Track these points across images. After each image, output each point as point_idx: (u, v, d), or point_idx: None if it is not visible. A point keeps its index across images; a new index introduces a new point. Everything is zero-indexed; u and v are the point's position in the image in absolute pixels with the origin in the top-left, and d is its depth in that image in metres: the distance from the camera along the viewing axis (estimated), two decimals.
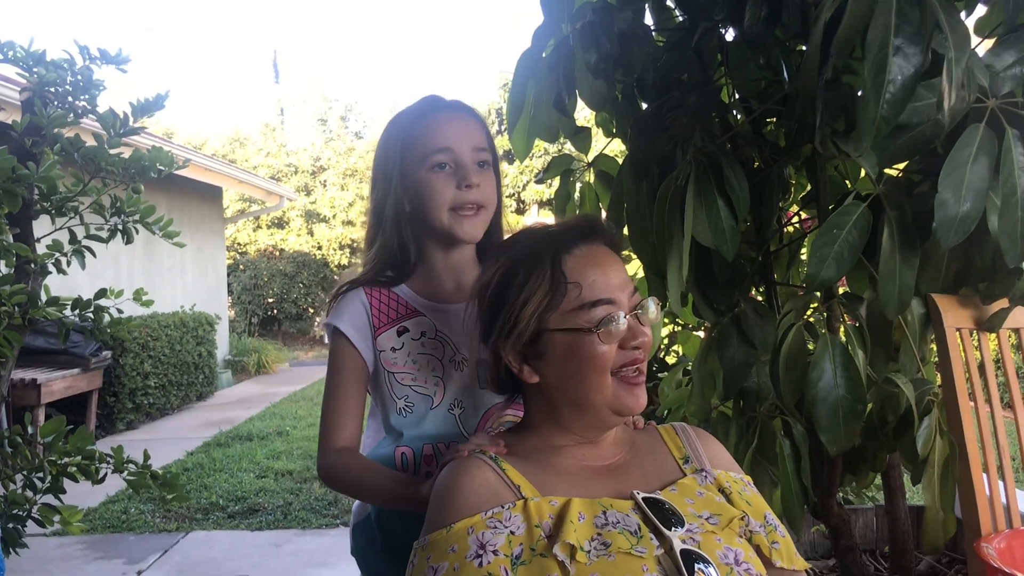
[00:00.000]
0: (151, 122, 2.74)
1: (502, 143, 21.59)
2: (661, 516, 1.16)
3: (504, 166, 21.79)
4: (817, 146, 2.01)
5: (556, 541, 1.09)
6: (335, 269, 21.36)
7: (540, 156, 19.94)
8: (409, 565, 1.16)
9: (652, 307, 1.25)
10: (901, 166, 2.15)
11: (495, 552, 1.10)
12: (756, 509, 1.27)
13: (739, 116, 2.39)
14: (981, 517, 1.96)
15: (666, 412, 2.67)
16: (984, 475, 2.02)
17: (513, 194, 21.55)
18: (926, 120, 1.86)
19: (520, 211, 21.70)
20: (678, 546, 1.11)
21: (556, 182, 2.63)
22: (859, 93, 2.15)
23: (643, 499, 1.18)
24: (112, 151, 2.60)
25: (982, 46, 1.96)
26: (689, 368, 2.70)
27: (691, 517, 1.19)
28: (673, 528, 1.14)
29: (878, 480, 2.58)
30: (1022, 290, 2.03)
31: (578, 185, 2.58)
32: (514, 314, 1.23)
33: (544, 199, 21.05)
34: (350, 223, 22.48)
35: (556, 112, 2.21)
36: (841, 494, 2.95)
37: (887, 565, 2.52)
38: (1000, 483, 2.03)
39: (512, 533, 1.12)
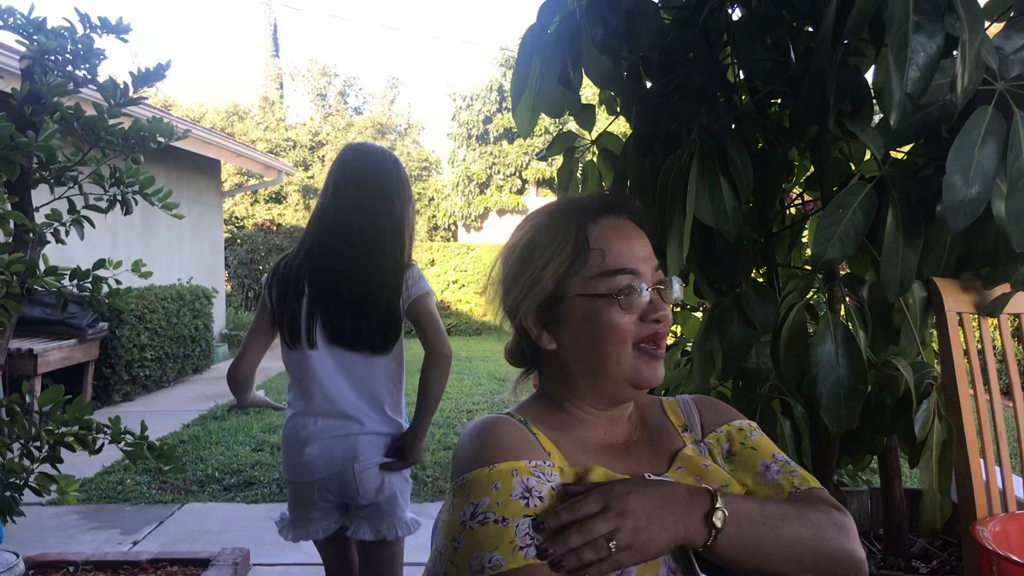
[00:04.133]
0: (149, 93, 2.72)
1: (503, 121, 21.55)
2: None
3: (504, 144, 21.73)
4: (832, 127, 2.00)
5: None
6: None
7: (540, 135, 19.88)
8: (448, 507, 1.14)
9: (676, 285, 1.25)
10: (905, 148, 2.14)
11: (541, 499, 1.09)
12: (763, 451, 1.29)
13: (744, 97, 2.38)
14: (977, 501, 1.96)
15: (664, 392, 2.67)
16: (981, 460, 2.02)
17: (514, 172, 21.50)
18: (935, 102, 1.85)
19: (520, 190, 21.66)
20: None
21: (558, 161, 2.62)
22: (866, 74, 2.15)
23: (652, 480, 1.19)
24: (112, 121, 2.57)
25: (991, 29, 1.95)
26: (688, 348, 2.69)
27: None
28: None
29: (872, 463, 2.58)
30: (1023, 275, 2.02)
31: (581, 163, 2.56)
32: (535, 275, 1.23)
33: (545, 177, 21.01)
34: None
35: (561, 88, 2.20)
36: (836, 477, 2.96)
37: (881, 547, 2.53)
38: (996, 468, 2.04)
39: (553, 488, 1.11)
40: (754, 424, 1.36)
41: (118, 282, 2.68)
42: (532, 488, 1.09)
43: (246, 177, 20.31)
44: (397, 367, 2.59)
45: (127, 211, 2.66)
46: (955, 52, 1.73)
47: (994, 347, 2.82)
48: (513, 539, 1.04)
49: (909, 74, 1.69)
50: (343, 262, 2.44)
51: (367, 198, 2.44)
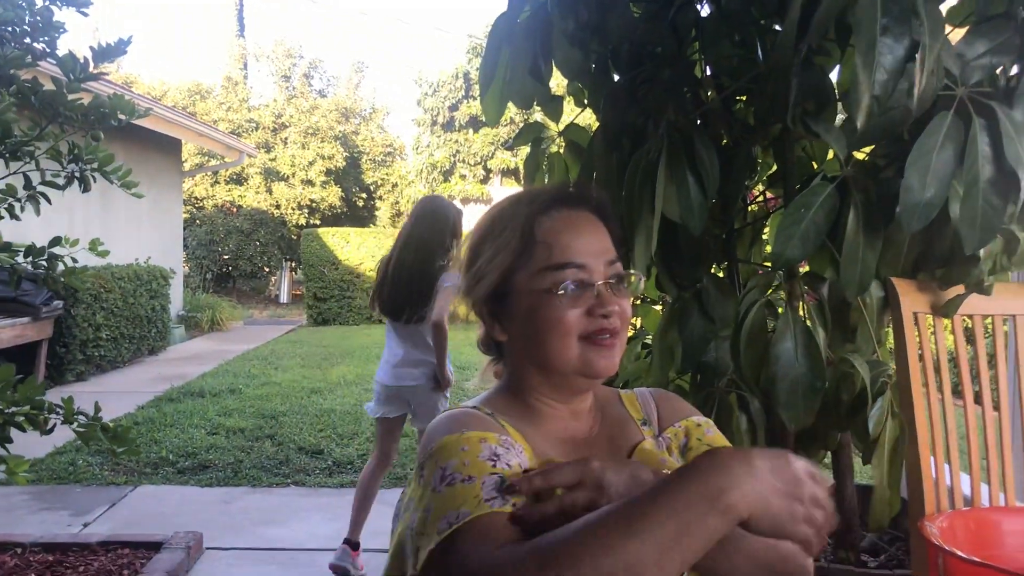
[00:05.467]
0: (110, 69, 2.67)
1: (469, 109, 21.47)
2: None
3: (470, 133, 21.67)
4: (789, 124, 2.02)
5: None
6: (292, 229, 21.16)
7: (506, 125, 19.85)
8: (416, 482, 1.13)
9: (633, 279, 1.25)
10: (867, 150, 2.17)
11: (508, 465, 1.09)
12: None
13: (710, 93, 2.39)
14: (926, 497, 2.00)
15: (623, 384, 2.69)
16: (931, 457, 2.06)
17: (479, 162, 21.45)
18: (897, 105, 1.88)
19: (485, 180, 21.61)
20: None
21: (523, 152, 2.62)
22: (831, 75, 2.17)
23: None
24: (71, 96, 2.52)
25: (953, 35, 1.97)
26: (648, 341, 2.71)
27: None
28: None
29: (826, 459, 2.62)
30: (978, 277, 2.06)
31: (547, 154, 2.57)
32: (483, 268, 1.23)
33: (510, 168, 20.98)
34: (310, 182, 22.24)
35: (531, 79, 2.19)
36: None
37: (832, 541, 2.57)
38: (945, 465, 2.08)
39: (521, 466, 1.11)
40: (710, 421, 1.38)
41: (74, 260, 2.64)
42: (500, 455, 1.09)
43: (207, 157, 20.05)
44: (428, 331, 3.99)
45: (85, 188, 2.62)
46: (916, 56, 1.75)
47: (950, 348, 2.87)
48: (479, 493, 1.04)
49: (876, 76, 1.72)
50: (402, 270, 3.93)
51: (425, 231, 3.93)
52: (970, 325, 2.17)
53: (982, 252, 2.01)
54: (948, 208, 1.91)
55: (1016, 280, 2.28)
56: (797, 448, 2.31)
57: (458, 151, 21.65)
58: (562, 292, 1.18)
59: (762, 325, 2.08)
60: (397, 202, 23.82)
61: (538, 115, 2.65)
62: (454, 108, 21.82)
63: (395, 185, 24.27)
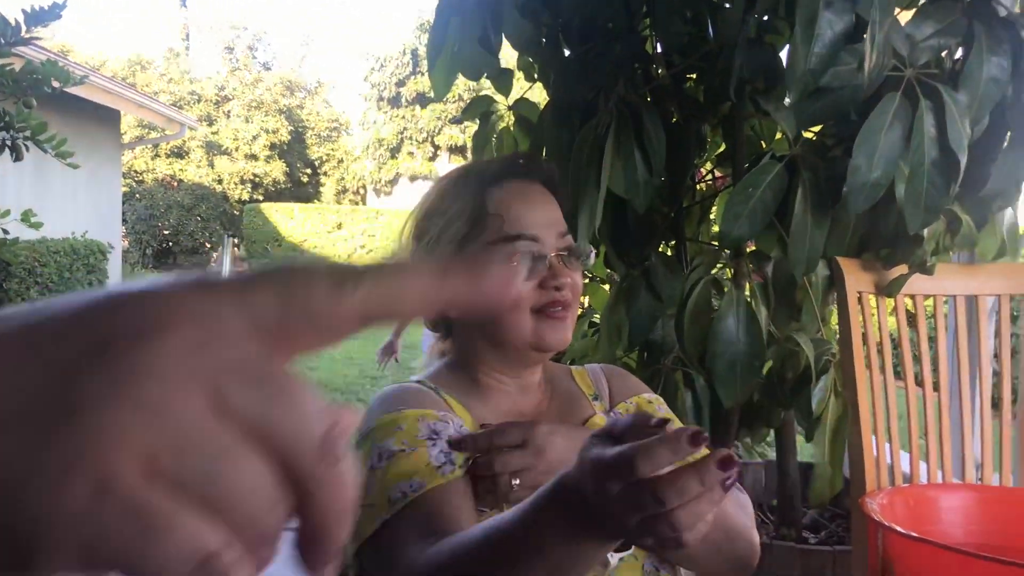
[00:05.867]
0: (44, 35, 2.57)
1: (416, 85, 21.28)
2: None
3: (417, 109, 21.48)
4: (732, 98, 2.02)
5: None
6: (235, 204, 20.85)
7: (454, 101, 19.73)
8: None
9: (587, 251, 1.24)
10: (816, 129, 2.18)
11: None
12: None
13: (660, 70, 2.38)
14: (868, 475, 2.03)
15: (571, 362, 2.68)
16: (872, 436, 2.09)
17: (427, 138, 21.28)
18: (846, 84, 1.88)
19: (433, 157, 21.47)
20: None
21: (471, 128, 2.59)
22: (782, 52, 2.17)
23: None
24: (0, 61, 2.43)
25: (902, 16, 1.99)
26: (596, 319, 2.71)
27: None
28: None
29: (769, 437, 2.65)
30: (921, 258, 2.09)
31: (497, 129, 2.54)
32: (434, 240, 1.21)
33: (458, 144, 20.87)
34: (253, 157, 21.90)
35: (480, 50, 2.16)
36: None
37: (774, 518, 2.60)
38: (886, 444, 2.11)
39: None
40: (660, 398, 1.37)
41: (6, 232, 2.55)
42: (439, 431, 1.08)
43: (147, 130, 19.60)
44: None
45: (17, 157, 2.52)
46: (865, 35, 1.76)
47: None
48: (429, 461, 1.03)
49: (814, 49, 1.72)
50: None
51: None
52: (912, 309, 2.19)
53: (925, 233, 2.03)
54: (894, 189, 1.93)
55: (957, 261, 2.31)
56: (741, 426, 2.33)
57: (405, 127, 21.47)
58: (515, 264, 1.16)
59: (707, 303, 2.08)
60: (343, 178, 23.57)
61: (486, 91, 2.62)
62: (401, 84, 21.62)
63: (341, 161, 24.01)
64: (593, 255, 1.28)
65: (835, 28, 1.74)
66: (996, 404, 2.17)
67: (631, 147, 1.97)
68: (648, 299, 2.18)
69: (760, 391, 2.20)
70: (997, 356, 2.20)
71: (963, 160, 1.87)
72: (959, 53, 2.06)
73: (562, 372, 1.37)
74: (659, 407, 1.33)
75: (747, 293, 2.12)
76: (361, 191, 23.35)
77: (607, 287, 2.74)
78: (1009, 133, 2.04)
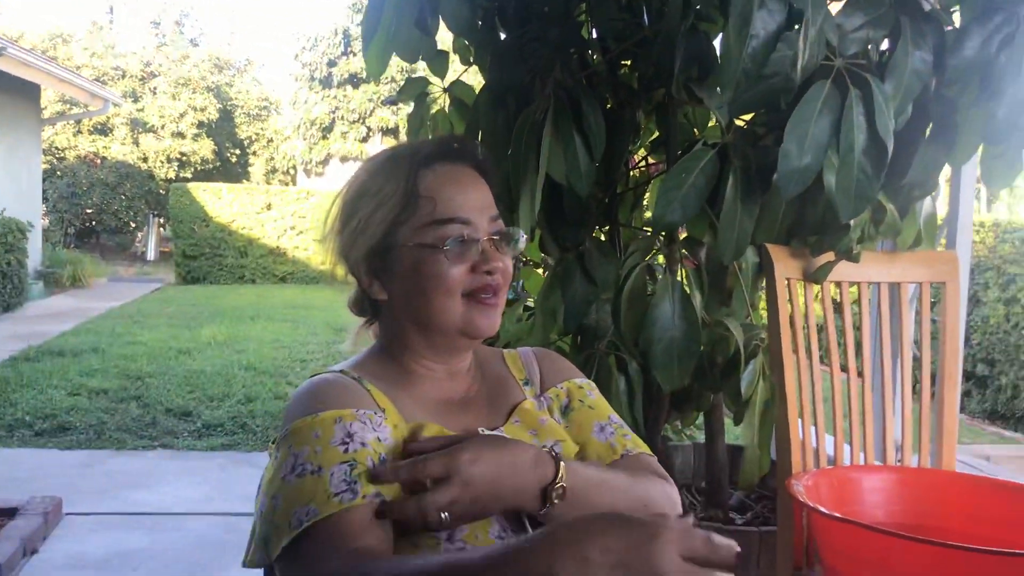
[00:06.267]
0: None
1: (348, 66, 20.99)
2: None
3: (349, 90, 21.20)
4: (672, 91, 2.04)
5: None
6: (161, 183, 20.36)
7: (387, 83, 19.53)
8: (271, 462, 1.10)
9: (519, 236, 1.23)
10: (747, 117, 2.21)
11: (363, 444, 1.07)
12: (600, 412, 1.31)
13: (596, 56, 2.39)
14: (794, 457, 2.07)
15: (504, 346, 2.68)
16: (799, 419, 2.14)
17: (359, 119, 21.02)
18: (778, 73, 1.91)
19: (365, 138, 21.22)
20: None
21: (404, 111, 2.56)
22: (716, 42, 2.20)
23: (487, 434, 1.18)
24: None
25: (834, 6, 2.02)
26: (530, 304, 2.72)
27: None
28: None
29: (699, 420, 2.69)
30: (848, 245, 2.13)
31: (431, 111, 2.52)
32: (363, 223, 1.18)
33: (390, 127, 20.66)
34: (180, 135, 21.41)
35: (417, 31, 2.14)
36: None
37: (701, 500, 2.65)
38: (812, 427, 2.16)
39: (379, 439, 1.09)
40: (592, 383, 1.38)
41: None
42: (354, 433, 1.07)
43: (69, 105, 18.96)
44: None
45: None
46: (797, 27, 1.79)
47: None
48: (327, 488, 1.01)
49: (748, 49, 1.75)
50: None
51: None
52: (838, 295, 2.24)
53: (852, 220, 2.08)
54: (822, 177, 1.96)
55: (880, 249, 2.37)
56: (672, 409, 2.36)
57: (337, 108, 21.17)
58: (447, 247, 1.15)
59: (642, 288, 2.10)
60: (272, 158, 23.18)
61: (422, 72, 2.60)
62: (332, 64, 21.30)
63: (270, 141, 23.60)
64: (524, 240, 1.27)
65: (768, 28, 1.76)
66: (917, 388, 2.24)
67: (571, 132, 1.97)
68: (583, 283, 2.20)
69: (692, 375, 2.23)
70: (918, 342, 2.27)
71: (890, 148, 1.91)
72: (885, 44, 2.10)
73: (493, 356, 1.36)
74: (589, 392, 1.34)
75: (680, 279, 2.14)
76: (291, 172, 23.00)
77: (541, 271, 2.75)
78: (930, 125, 2.09)
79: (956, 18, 2.09)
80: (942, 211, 2.57)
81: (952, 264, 2.25)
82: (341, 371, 1.21)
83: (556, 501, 1.07)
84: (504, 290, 1.21)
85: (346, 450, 1.05)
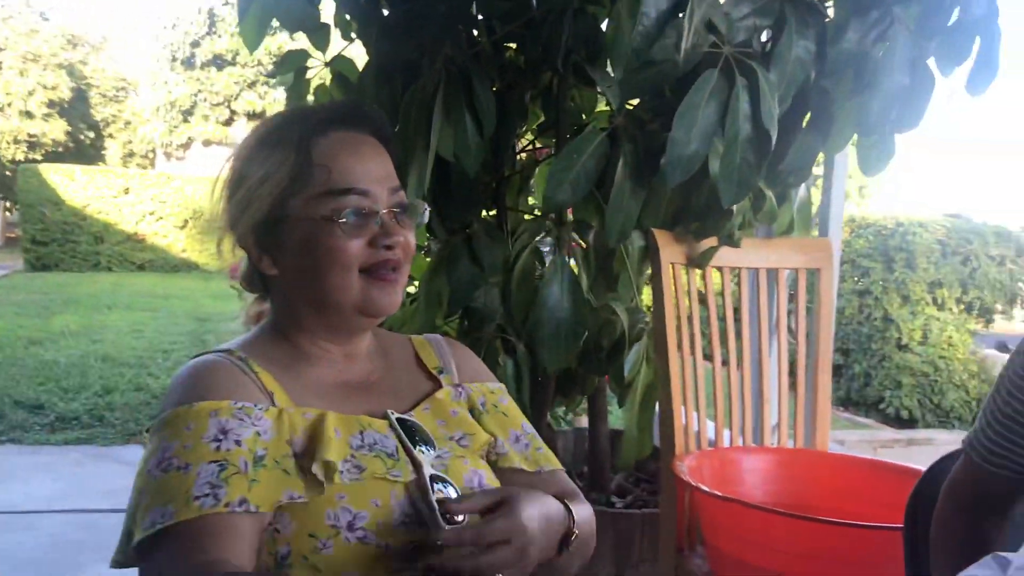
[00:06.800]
0: None
1: (212, 47, 20.26)
2: (412, 438, 1.10)
3: (213, 71, 20.47)
4: (559, 68, 2.02)
5: (311, 458, 1.01)
6: (8, 164, 19.18)
7: (254, 66, 18.97)
8: (144, 451, 1.02)
9: (420, 209, 1.17)
10: (635, 103, 2.22)
11: (237, 442, 0.99)
12: (513, 419, 1.26)
13: (482, 38, 2.35)
14: (677, 439, 2.10)
15: (388, 329, 2.63)
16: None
17: (223, 102, 20.31)
18: (667, 59, 1.92)
19: (229, 122, 20.53)
20: (427, 471, 1.07)
21: (270, 96, 2.46)
22: (604, 24, 2.20)
23: (397, 419, 1.12)
24: None
25: None
26: (411, 291, 2.66)
27: (442, 440, 1.14)
28: (424, 451, 1.09)
29: (583, 404, 2.71)
30: (729, 231, 2.18)
31: (313, 86, 2.43)
32: (251, 193, 1.09)
33: (256, 111, 20.05)
34: (28, 114, 20.22)
35: (299, 1, 2.05)
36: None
37: (583, 484, 2.66)
38: (694, 410, 2.19)
39: (259, 434, 1.01)
40: (503, 387, 1.33)
41: None
42: (229, 430, 0.99)
43: None
44: None
45: None
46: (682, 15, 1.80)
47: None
48: (190, 488, 0.94)
49: (638, 28, 1.75)
50: None
51: None
52: (720, 280, 2.29)
53: (734, 207, 2.12)
54: (707, 163, 1.99)
55: (760, 236, 2.43)
56: (557, 393, 2.36)
57: (200, 90, 20.40)
58: (343, 220, 1.07)
59: (531, 270, 2.09)
60: (130, 141, 22.18)
61: (296, 47, 2.49)
62: (196, 45, 20.52)
63: (128, 123, 22.57)
64: (427, 213, 1.21)
65: (659, 6, 1.77)
66: (793, 372, 2.31)
67: (461, 109, 1.93)
68: (469, 266, 2.16)
69: (578, 359, 2.23)
70: (794, 328, 2.34)
71: (774, 137, 1.95)
72: (766, 35, 2.15)
73: (401, 341, 1.29)
74: (502, 398, 1.28)
75: (571, 262, 2.14)
76: (150, 155, 22.05)
77: (424, 255, 2.69)
78: (808, 114, 2.15)
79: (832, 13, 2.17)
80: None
81: (826, 251, 2.32)
82: (227, 351, 1.11)
83: (570, 549, 1.10)
84: (406, 266, 1.14)
85: (218, 448, 0.98)
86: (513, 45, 2.39)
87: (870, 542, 1.69)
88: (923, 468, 1.46)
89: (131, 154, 22.30)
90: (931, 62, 2.14)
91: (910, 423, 6.57)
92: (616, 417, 3.07)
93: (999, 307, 7.23)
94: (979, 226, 7.32)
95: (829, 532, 1.74)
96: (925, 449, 5.08)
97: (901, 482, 1.67)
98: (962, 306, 6.94)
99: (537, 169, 2.56)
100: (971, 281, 6.88)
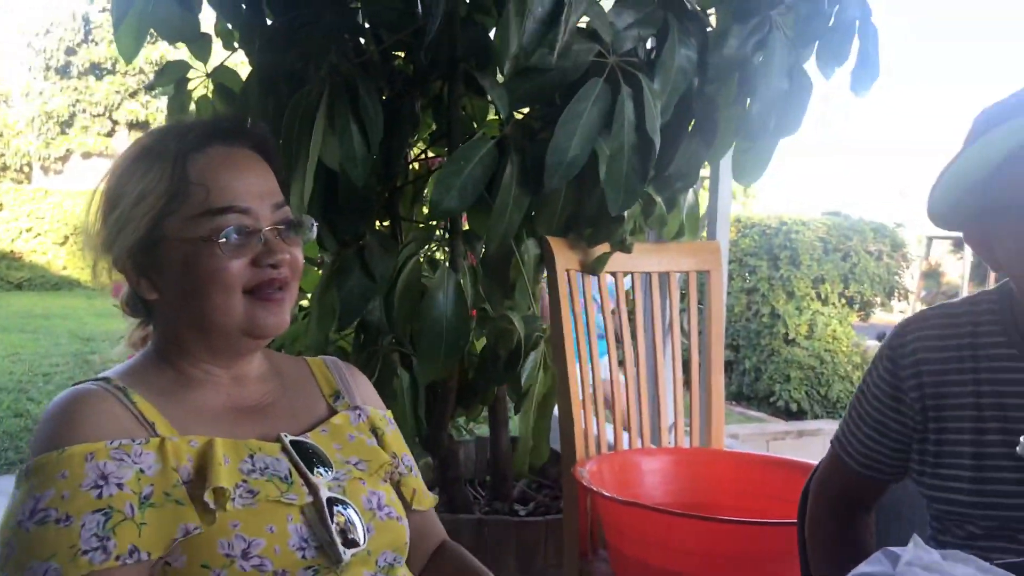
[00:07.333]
0: None
1: (90, 55, 19.48)
2: (308, 461, 1.07)
3: (91, 81, 19.69)
4: (448, 77, 2.02)
5: (201, 486, 0.97)
6: None
7: (136, 74, 18.34)
8: (11, 498, 0.95)
9: (306, 225, 1.14)
10: (526, 111, 2.23)
11: (120, 486, 0.94)
12: (398, 447, 1.24)
13: (371, 47, 2.32)
14: (577, 444, 2.11)
15: (278, 348, 2.56)
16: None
17: (104, 112, 19.55)
18: (554, 68, 1.93)
19: (111, 133, 19.77)
20: (324, 494, 1.04)
21: (155, 103, 2.38)
22: (491, 32, 2.20)
23: (291, 442, 1.09)
24: None
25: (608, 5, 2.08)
26: (304, 304, 2.61)
27: (339, 463, 1.11)
28: (321, 474, 1.06)
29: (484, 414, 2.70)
30: (621, 237, 2.20)
31: (195, 97, 2.35)
32: (126, 214, 1.04)
33: (139, 120, 19.36)
34: None
35: (178, 8, 1.98)
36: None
37: (485, 493, 2.66)
38: (593, 415, 2.21)
39: (142, 472, 0.96)
40: (390, 413, 1.30)
41: None
42: (109, 474, 0.94)
43: None
44: None
45: None
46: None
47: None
48: (76, 543, 0.89)
49: (527, 26, 1.76)
50: None
51: None
52: (614, 285, 2.31)
53: (625, 213, 2.15)
54: (598, 170, 2.01)
55: (652, 241, 2.47)
56: (457, 404, 2.34)
57: (78, 100, 19.60)
58: (223, 240, 1.03)
59: (418, 280, 2.08)
60: (3, 154, 21.12)
61: (177, 56, 2.42)
62: (72, 52, 19.70)
63: (0, 135, 21.51)
64: (315, 228, 1.17)
65: (544, 6, 1.78)
66: (687, 373, 2.36)
67: (347, 118, 1.89)
68: (362, 278, 2.13)
69: (476, 369, 2.22)
70: (686, 329, 2.38)
71: (657, 144, 1.99)
72: (651, 43, 2.18)
73: (295, 363, 1.25)
74: (390, 423, 1.27)
75: (461, 272, 2.13)
76: (26, 169, 21.06)
77: (318, 269, 2.64)
78: (693, 121, 2.20)
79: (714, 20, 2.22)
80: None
81: (715, 253, 2.38)
82: (105, 380, 1.06)
83: None
84: (293, 284, 1.10)
85: (99, 495, 0.92)
86: (402, 54, 2.37)
87: (767, 538, 1.73)
88: (814, 463, 1.50)
89: (4, 168, 21.27)
90: (811, 67, 2.21)
91: (799, 415, 6.80)
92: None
93: (878, 300, 7.55)
94: (857, 223, 7.64)
95: (727, 530, 1.77)
96: (814, 439, 5.25)
97: (795, 477, 1.71)
98: (844, 300, 7.21)
99: (430, 178, 2.55)
100: (852, 276, 7.16)
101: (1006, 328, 1.20)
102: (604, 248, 2.21)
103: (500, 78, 2.09)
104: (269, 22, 2.21)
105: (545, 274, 2.28)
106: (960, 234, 1.24)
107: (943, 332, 1.24)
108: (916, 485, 1.27)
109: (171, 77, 2.31)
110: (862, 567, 0.87)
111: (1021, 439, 0.73)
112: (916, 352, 1.23)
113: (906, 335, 1.26)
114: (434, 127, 2.48)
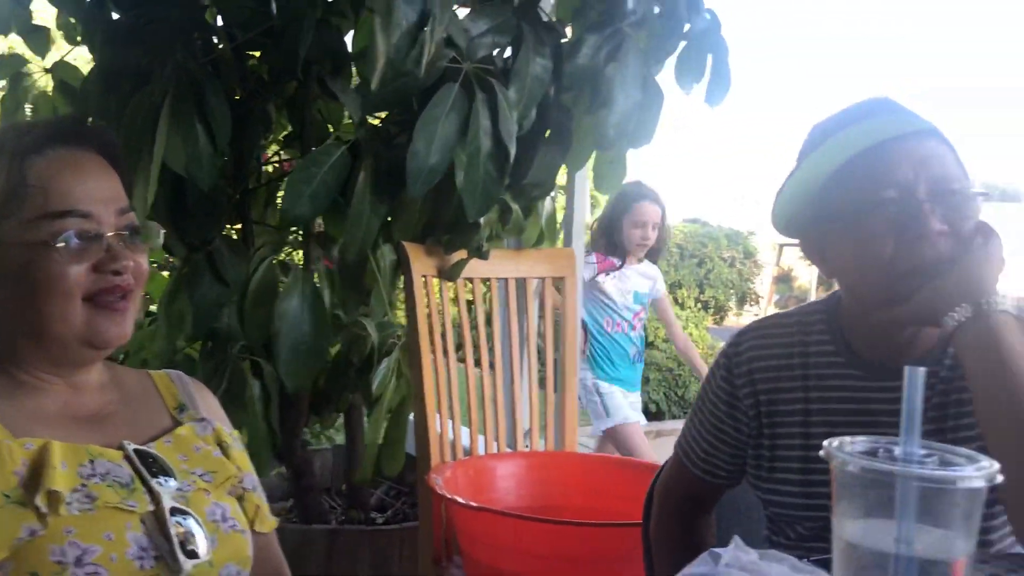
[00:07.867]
0: None
1: None
2: (150, 471, 1.04)
3: None
4: (299, 77, 1.99)
5: (35, 490, 0.93)
6: None
7: None
8: None
9: (151, 232, 1.10)
10: (383, 116, 2.22)
11: None
12: (243, 465, 1.20)
13: (221, 45, 2.26)
14: (432, 451, 2.11)
15: (123, 356, 2.45)
16: (436, 413, 2.18)
17: None
18: (410, 72, 1.93)
19: None
20: (167, 504, 1.00)
21: None
22: (347, 36, 2.18)
23: (134, 451, 1.05)
24: None
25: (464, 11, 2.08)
26: (153, 309, 2.51)
27: (184, 474, 1.08)
28: (163, 483, 1.03)
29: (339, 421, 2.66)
30: (478, 243, 2.21)
31: (32, 93, 2.23)
32: None
33: None
34: None
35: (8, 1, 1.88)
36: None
37: (341, 502, 2.62)
38: (449, 421, 2.21)
39: None
40: (237, 432, 1.27)
41: None
42: None
43: None
44: None
45: None
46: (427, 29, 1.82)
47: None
48: None
49: (394, 39, 1.75)
50: None
51: None
52: (471, 291, 2.32)
53: (482, 220, 2.16)
54: (454, 176, 2.02)
55: (511, 247, 2.49)
56: (311, 412, 2.30)
57: None
58: (62, 244, 0.98)
59: (271, 285, 2.04)
60: None
61: (16, 49, 2.30)
62: None
63: None
64: (162, 235, 1.13)
65: (409, 18, 1.78)
66: (543, 378, 2.39)
67: (192, 119, 1.83)
68: (213, 284, 2.07)
69: (328, 377, 2.19)
70: (543, 334, 2.42)
71: (513, 152, 2.01)
72: (509, 51, 2.21)
73: (137, 376, 1.21)
74: (234, 441, 1.23)
75: (316, 277, 2.10)
76: None
77: (167, 274, 2.56)
78: (548, 130, 2.23)
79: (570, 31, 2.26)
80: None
81: (570, 260, 2.42)
82: None
83: None
84: (137, 292, 1.07)
85: None
86: (257, 53, 2.32)
87: (614, 539, 1.77)
88: (660, 463, 1.54)
89: None
90: (664, 79, 2.28)
91: (658, 415, 6.99)
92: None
93: (731, 305, 7.86)
94: (714, 230, 7.94)
95: (574, 533, 1.80)
96: (672, 439, 5.37)
97: (642, 477, 1.75)
98: (699, 305, 7.47)
99: (284, 181, 2.50)
100: (707, 281, 7.43)
101: (834, 337, 1.24)
102: (461, 254, 2.21)
103: (355, 81, 2.07)
104: (116, 16, 2.13)
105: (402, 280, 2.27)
106: None
107: (776, 340, 1.28)
108: (752, 489, 1.32)
109: (6, 72, 2.19)
110: (688, 568, 0.90)
111: (824, 443, 0.77)
112: (751, 360, 1.27)
113: (741, 343, 1.30)
114: (289, 129, 2.44)
